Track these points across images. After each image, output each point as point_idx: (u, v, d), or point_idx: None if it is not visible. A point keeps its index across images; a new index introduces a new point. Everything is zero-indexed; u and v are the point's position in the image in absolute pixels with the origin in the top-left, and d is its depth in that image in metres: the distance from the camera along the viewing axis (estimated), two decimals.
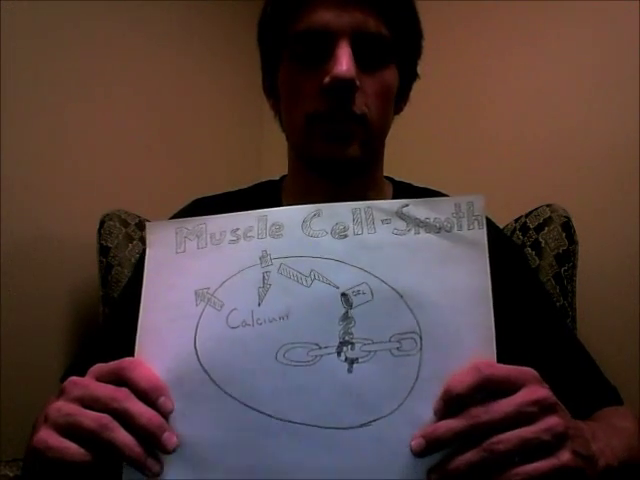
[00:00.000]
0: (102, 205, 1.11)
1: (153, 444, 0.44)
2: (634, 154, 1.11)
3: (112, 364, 0.47)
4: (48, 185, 1.12)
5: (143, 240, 1.08)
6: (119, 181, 1.24)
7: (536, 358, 0.51)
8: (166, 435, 0.44)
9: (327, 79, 0.59)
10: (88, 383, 0.46)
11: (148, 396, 0.45)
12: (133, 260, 1.06)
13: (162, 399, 0.45)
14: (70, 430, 0.44)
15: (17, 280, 1.06)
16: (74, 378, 0.47)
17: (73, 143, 1.17)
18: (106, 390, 0.45)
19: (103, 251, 1.07)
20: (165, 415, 0.45)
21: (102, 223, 1.08)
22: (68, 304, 1.15)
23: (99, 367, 0.48)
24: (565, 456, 0.42)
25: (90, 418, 0.44)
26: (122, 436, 0.43)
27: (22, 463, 0.59)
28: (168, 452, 0.45)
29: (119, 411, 0.44)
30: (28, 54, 1.09)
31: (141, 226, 1.10)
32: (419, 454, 0.44)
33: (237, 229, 0.50)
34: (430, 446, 0.44)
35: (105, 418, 0.43)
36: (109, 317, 0.84)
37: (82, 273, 1.15)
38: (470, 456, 0.42)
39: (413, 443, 0.44)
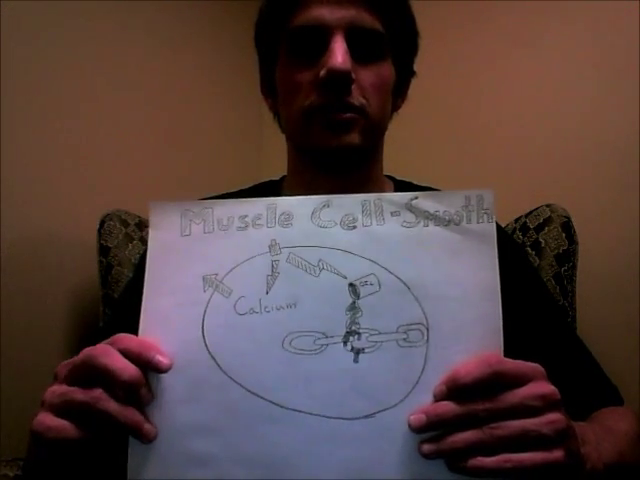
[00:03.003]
0: (102, 205, 1.11)
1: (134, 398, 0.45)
2: (634, 154, 1.11)
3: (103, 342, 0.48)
4: (48, 185, 1.12)
5: (143, 240, 1.08)
6: (119, 181, 1.24)
7: (538, 356, 0.51)
8: (143, 390, 0.45)
9: (323, 72, 0.60)
10: (75, 357, 0.47)
11: (142, 356, 0.45)
12: (133, 260, 1.06)
13: (157, 357, 0.46)
14: (66, 408, 0.45)
15: (17, 280, 1.06)
16: (64, 362, 0.48)
17: (73, 143, 1.17)
18: (84, 351, 0.46)
19: (103, 251, 1.07)
20: (164, 372, 0.46)
21: (102, 223, 1.08)
22: (68, 304, 1.14)
23: (89, 348, 0.48)
24: (559, 453, 0.43)
25: (82, 392, 0.44)
26: (115, 405, 0.44)
27: (23, 460, 0.59)
28: (146, 404, 0.45)
29: (98, 368, 0.44)
30: (28, 54, 1.09)
31: (141, 226, 1.10)
32: (417, 430, 0.44)
33: (245, 216, 0.50)
34: (430, 423, 0.43)
35: (96, 391, 0.44)
36: (111, 316, 0.84)
37: (82, 273, 1.15)
38: (469, 434, 0.42)
39: (412, 418, 0.44)
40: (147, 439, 0.45)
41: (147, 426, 0.45)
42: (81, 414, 0.44)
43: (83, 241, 1.12)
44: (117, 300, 1.00)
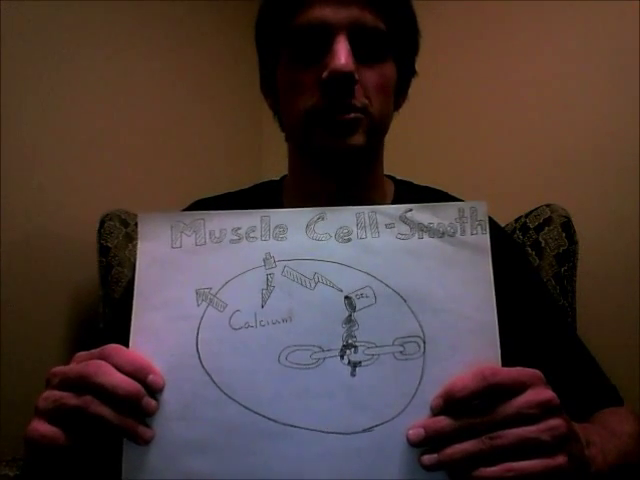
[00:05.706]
0: (102, 205, 1.11)
1: (134, 410, 0.44)
2: (634, 154, 1.11)
3: (94, 351, 0.47)
4: (48, 185, 1.12)
5: None
6: (119, 181, 1.24)
7: (538, 357, 0.51)
8: (145, 400, 0.45)
9: (326, 73, 0.59)
10: (68, 369, 0.47)
11: (135, 376, 0.45)
12: (133, 260, 1.05)
13: (151, 377, 0.45)
14: (59, 413, 0.45)
15: (17, 280, 1.06)
16: (55, 368, 0.48)
17: (73, 143, 1.16)
18: (78, 367, 0.46)
19: (103, 251, 1.07)
20: (158, 391, 0.46)
21: (102, 223, 1.08)
22: (68, 304, 1.14)
23: (81, 354, 0.48)
24: (561, 458, 0.43)
25: (74, 397, 0.44)
26: (108, 410, 0.44)
27: (21, 461, 0.59)
28: (149, 415, 0.45)
29: (93, 387, 0.44)
30: (28, 54, 1.09)
31: None
32: (415, 444, 0.44)
33: (238, 228, 0.50)
34: (429, 437, 0.43)
35: (87, 396, 0.44)
36: (111, 317, 0.84)
37: (82, 273, 1.15)
38: (468, 445, 0.42)
39: (411, 432, 0.44)
40: (143, 440, 0.45)
41: (142, 427, 0.45)
42: (74, 419, 0.44)
43: (83, 241, 1.12)
44: (117, 301, 0.99)
